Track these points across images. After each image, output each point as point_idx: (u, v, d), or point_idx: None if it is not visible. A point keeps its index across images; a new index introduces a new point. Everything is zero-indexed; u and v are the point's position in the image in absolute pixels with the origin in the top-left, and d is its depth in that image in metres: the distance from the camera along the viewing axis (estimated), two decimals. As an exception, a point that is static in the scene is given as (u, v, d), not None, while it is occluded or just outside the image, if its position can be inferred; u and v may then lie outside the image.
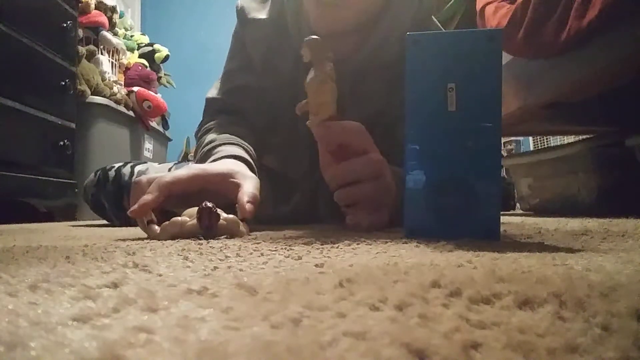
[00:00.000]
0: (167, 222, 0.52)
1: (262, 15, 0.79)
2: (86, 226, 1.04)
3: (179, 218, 0.52)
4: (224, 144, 0.70)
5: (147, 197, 0.51)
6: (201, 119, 0.87)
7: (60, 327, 0.15)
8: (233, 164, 0.62)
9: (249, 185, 0.55)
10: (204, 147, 0.72)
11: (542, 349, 0.13)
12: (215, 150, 0.68)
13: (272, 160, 0.85)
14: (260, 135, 0.83)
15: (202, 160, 0.69)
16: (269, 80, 0.80)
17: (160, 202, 0.52)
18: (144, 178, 0.55)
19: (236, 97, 0.84)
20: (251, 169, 0.64)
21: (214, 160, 0.65)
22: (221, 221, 0.50)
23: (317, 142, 0.55)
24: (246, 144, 0.72)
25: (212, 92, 0.86)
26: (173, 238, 0.51)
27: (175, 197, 0.54)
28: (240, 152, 0.68)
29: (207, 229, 0.49)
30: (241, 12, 0.81)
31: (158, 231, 0.52)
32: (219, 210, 0.51)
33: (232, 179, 0.56)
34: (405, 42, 0.47)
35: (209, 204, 0.50)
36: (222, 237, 0.52)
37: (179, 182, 0.53)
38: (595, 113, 1.41)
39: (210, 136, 0.74)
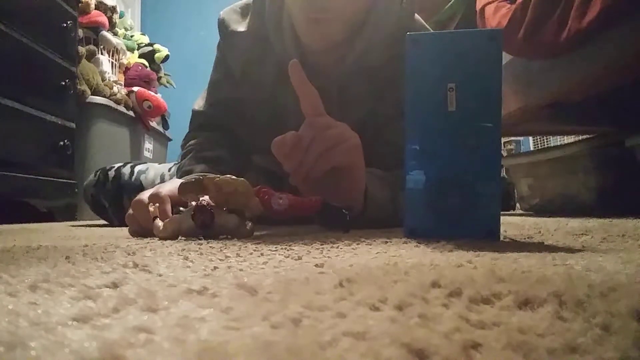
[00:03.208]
0: (167, 220, 0.52)
1: (242, 27, 0.79)
2: (86, 226, 1.04)
3: (177, 216, 0.52)
4: None
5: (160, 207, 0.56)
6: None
7: (60, 327, 0.15)
8: None
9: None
10: (182, 175, 0.73)
11: (542, 349, 0.13)
12: None
13: (268, 161, 0.85)
14: (254, 138, 0.84)
15: None
16: (248, 92, 0.80)
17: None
18: (144, 196, 0.59)
19: (220, 109, 0.85)
20: None
21: None
22: (223, 221, 0.50)
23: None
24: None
25: (199, 104, 0.87)
26: (173, 235, 0.51)
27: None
28: None
29: (202, 226, 0.49)
30: (222, 25, 0.81)
31: (161, 227, 0.52)
32: (221, 210, 0.51)
33: None
34: (406, 42, 0.47)
35: (204, 202, 0.50)
36: (224, 236, 0.52)
37: (173, 194, 0.57)
38: (595, 113, 1.41)
39: (189, 163, 0.75)
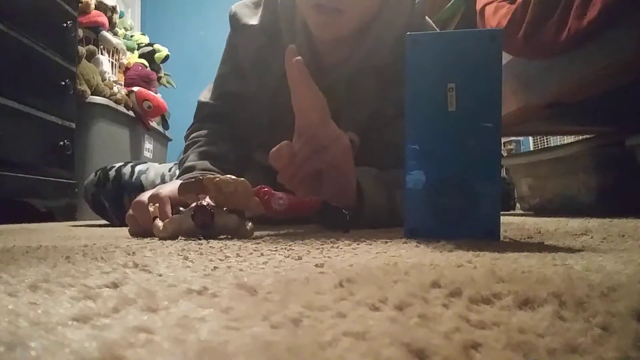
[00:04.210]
0: (167, 220, 0.52)
1: (254, 21, 0.79)
2: (86, 226, 1.04)
3: (177, 216, 0.52)
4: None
5: (159, 209, 0.56)
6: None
7: (60, 327, 0.15)
8: None
9: None
10: (183, 171, 0.73)
11: (542, 349, 0.13)
12: None
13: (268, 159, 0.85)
14: (255, 135, 0.84)
15: None
16: (257, 86, 0.80)
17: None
18: (144, 196, 0.59)
19: (226, 103, 0.85)
20: None
21: None
22: (223, 221, 0.50)
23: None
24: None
25: (205, 95, 0.87)
26: (173, 235, 0.51)
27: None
28: None
29: (202, 227, 0.50)
30: (233, 18, 0.81)
31: (161, 227, 0.52)
32: (221, 210, 0.51)
33: None
34: (406, 42, 0.47)
35: (204, 202, 0.50)
36: (223, 236, 0.52)
37: (173, 195, 0.57)
38: (595, 113, 1.41)
39: (192, 158, 0.75)
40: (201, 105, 0.87)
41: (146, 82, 2.21)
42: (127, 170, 0.98)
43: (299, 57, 0.54)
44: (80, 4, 1.77)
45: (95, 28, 1.95)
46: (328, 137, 0.55)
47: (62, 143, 1.48)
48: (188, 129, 0.86)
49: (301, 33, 0.74)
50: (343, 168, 0.57)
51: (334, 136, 0.56)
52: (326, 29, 0.70)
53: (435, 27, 0.85)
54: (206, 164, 0.73)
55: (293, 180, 0.55)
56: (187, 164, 0.74)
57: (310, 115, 0.55)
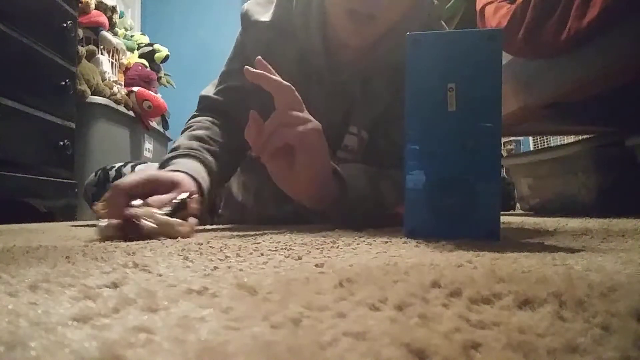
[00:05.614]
0: (105, 224, 0.52)
1: (265, 18, 0.79)
2: (86, 226, 1.04)
3: (111, 222, 0.52)
4: (183, 155, 0.70)
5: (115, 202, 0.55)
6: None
7: (60, 327, 0.15)
8: (182, 178, 0.63)
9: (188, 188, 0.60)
10: (170, 152, 0.73)
11: (542, 349, 0.13)
12: (172, 162, 0.69)
13: None
14: None
15: (163, 165, 0.70)
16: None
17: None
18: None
19: (229, 96, 0.85)
20: (199, 184, 0.65)
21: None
22: (155, 225, 0.50)
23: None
24: (209, 158, 0.73)
25: (208, 90, 0.88)
26: (109, 239, 0.51)
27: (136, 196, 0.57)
28: (194, 167, 0.68)
29: (133, 234, 0.50)
30: (245, 16, 0.82)
31: (101, 229, 0.52)
32: (156, 212, 0.51)
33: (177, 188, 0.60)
34: (406, 42, 0.47)
35: (132, 211, 0.50)
36: (218, 236, 0.52)
37: (134, 186, 0.57)
38: (595, 113, 1.40)
39: (180, 140, 0.75)
40: (201, 98, 0.87)
41: (146, 82, 2.21)
42: (127, 170, 0.98)
43: (258, 57, 0.59)
44: (80, 4, 1.77)
45: (95, 28, 1.95)
46: (297, 119, 0.57)
47: (62, 143, 1.48)
48: (188, 118, 0.87)
49: (316, 30, 0.74)
50: (314, 147, 0.58)
51: (303, 119, 0.57)
52: (357, 35, 0.71)
53: (448, 30, 0.86)
54: (192, 143, 0.73)
55: (263, 153, 0.57)
56: (174, 144, 0.74)
57: (280, 103, 0.58)
